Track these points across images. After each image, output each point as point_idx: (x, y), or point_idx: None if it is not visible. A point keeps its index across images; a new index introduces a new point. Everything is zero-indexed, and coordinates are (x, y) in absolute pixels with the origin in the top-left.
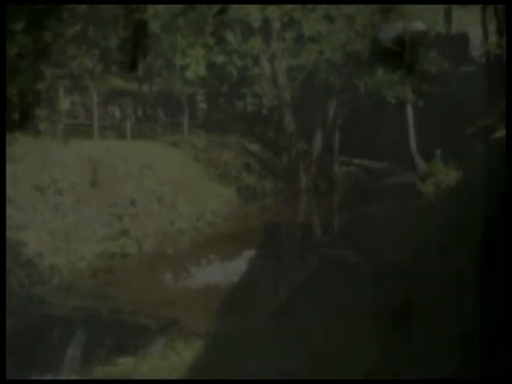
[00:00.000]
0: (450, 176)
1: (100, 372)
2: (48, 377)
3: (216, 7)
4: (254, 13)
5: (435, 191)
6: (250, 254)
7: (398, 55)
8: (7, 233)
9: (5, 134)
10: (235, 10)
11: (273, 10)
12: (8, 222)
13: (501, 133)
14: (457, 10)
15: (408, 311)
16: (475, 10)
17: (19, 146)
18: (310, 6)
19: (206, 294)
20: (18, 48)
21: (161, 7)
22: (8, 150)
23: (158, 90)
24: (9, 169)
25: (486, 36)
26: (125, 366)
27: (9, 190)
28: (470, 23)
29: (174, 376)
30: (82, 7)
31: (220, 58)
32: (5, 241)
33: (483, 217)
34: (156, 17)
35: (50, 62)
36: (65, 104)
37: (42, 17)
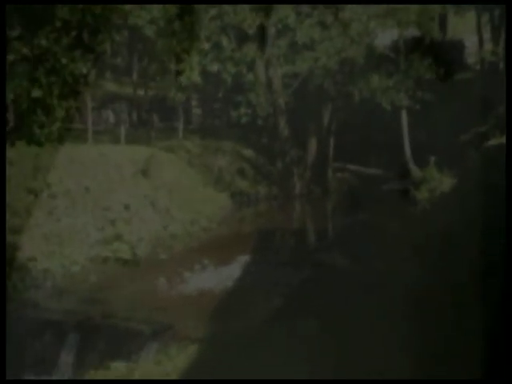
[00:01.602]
0: (444, 183)
1: (92, 376)
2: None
3: (213, 11)
4: (248, 19)
5: (429, 198)
6: (243, 259)
7: (393, 62)
8: None
9: (5, 135)
10: (230, 16)
11: (267, 16)
12: None
13: (495, 140)
14: (452, 17)
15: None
16: (470, 18)
17: (13, 149)
18: (304, 12)
19: (199, 299)
20: (14, 55)
21: (156, 12)
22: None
23: (153, 95)
24: None
25: (481, 43)
26: (117, 370)
27: None
28: (466, 30)
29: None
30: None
31: (215, 65)
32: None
33: (481, 223)
34: (151, 22)
35: (46, 68)
36: (60, 110)
37: (37, 24)
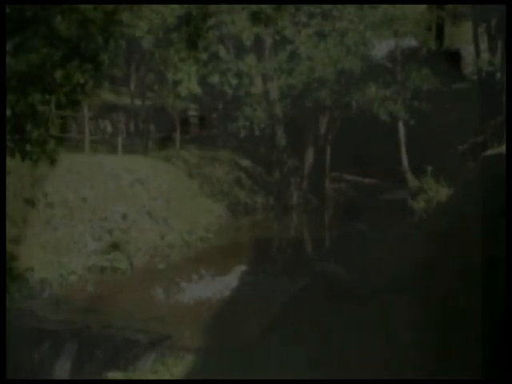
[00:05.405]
0: (440, 193)
1: None
2: None
3: (210, 21)
4: (246, 30)
5: (426, 208)
6: (241, 269)
7: (390, 72)
8: None
9: (5, 137)
10: (228, 26)
11: (265, 27)
12: None
13: (493, 150)
14: (449, 27)
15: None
16: (467, 28)
17: (10, 159)
18: (302, 22)
19: (196, 309)
20: (8, 69)
21: (155, 22)
22: None
23: (150, 105)
24: None
25: (477, 53)
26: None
27: None
28: (462, 40)
29: None
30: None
31: (212, 75)
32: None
33: (479, 233)
34: (149, 32)
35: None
36: (56, 120)
37: (31, 39)
